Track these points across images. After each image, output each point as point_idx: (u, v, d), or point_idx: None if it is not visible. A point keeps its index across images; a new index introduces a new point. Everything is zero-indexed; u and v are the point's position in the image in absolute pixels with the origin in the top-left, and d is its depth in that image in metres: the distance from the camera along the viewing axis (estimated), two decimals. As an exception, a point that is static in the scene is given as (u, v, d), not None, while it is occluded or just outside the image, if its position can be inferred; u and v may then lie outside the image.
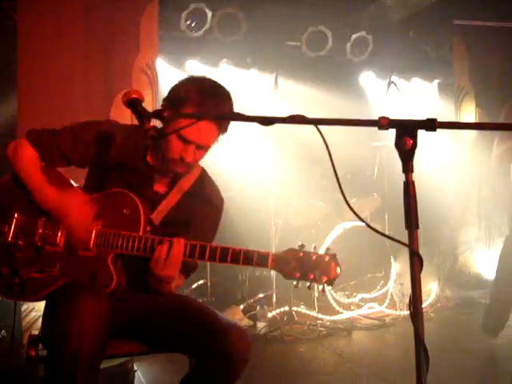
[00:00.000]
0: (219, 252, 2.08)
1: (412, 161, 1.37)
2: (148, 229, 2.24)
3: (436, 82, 7.24)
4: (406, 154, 1.35)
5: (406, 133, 1.35)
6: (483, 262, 6.18)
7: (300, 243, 2.05)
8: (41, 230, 2.26)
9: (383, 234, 1.49)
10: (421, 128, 1.34)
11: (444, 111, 7.00)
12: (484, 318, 4.45)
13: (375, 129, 1.42)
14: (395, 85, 5.63)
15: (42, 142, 2.34)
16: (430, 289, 5.50)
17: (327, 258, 1.99)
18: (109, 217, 2.24)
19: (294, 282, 2.03)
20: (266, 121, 1.52)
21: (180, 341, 2.23)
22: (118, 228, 2.20)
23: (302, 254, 2.01)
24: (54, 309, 2.13)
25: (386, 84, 5.69)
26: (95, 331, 1.98)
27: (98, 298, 2.05)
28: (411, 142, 1.34)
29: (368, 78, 6.91)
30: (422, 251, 1.40)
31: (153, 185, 2.37)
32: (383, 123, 1.36)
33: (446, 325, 5.00)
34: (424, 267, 1.41)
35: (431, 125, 1.33)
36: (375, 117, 1.40)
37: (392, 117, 1.39)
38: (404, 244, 1.39)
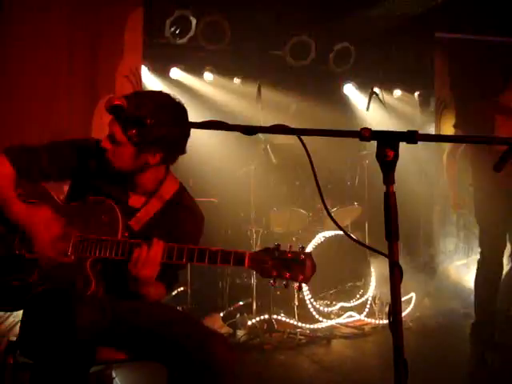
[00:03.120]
0: (197, 253, 2.10)
1: (393, 172, 1.39)
2: (126, 234, 2.26)
3: (417, 93, 7.31)
4: (387, 165, 1.37)
5: (388, 144, 1.36)
6: (462, 272, 6.24)
7: (276, 243, 2.08)
8: (18, 239, 2.27)
9: (363, 245, 1.51)
10: (402, 140, 1.36)
11: (425, 123, 7.08)
12: (471, 336, 4.50)
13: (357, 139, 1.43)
14: (377, 95, 5.67)
15: (20, 160, 2.36)
16: (409, 298, 5.53)
17: (302, 257, 2.03)
18: (87, 224, 2.26)
19: (271, 281, 2.06)
20: (249, 130, 1.53)
21: (161, 350, 2.22)
22: (97, 234, 2.22)
23: (277, 253, 2.04)
24: (38, 316, 2.12)
25: (368, 95, 5.73)
26: (87, 337, 1.98)
27: (90, 305, 2.06)
28: (392, 153, 1.36)
29: (351, 89, 6.96)
30: (401, 261, 1.42)
31: (127, 199, 2.39)
32: (365, 134, 1.38)
33: (424, 334, 5.02)
34: (403, 276, 1.42)
35: (412, 137, 1.36)
36: (358, 127, 1.41)
37: (374, 127, 1.41)
38: (384, 254, 1.40)
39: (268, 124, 1.56)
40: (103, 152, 2.28)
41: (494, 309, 4.42)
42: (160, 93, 2.30)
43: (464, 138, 1.53)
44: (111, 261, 2.19)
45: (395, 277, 1.40)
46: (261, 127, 1.52)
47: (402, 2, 5.64)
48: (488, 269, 4.43)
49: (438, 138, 1.75)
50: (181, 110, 2.27)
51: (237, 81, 6.43)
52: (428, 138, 1.39)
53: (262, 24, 6.10)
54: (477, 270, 4.54)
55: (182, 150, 2.36)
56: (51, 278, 2.22)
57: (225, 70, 6.34)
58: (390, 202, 1.37)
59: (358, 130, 1.38)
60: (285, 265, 2.02)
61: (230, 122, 1.60)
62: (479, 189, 4.45)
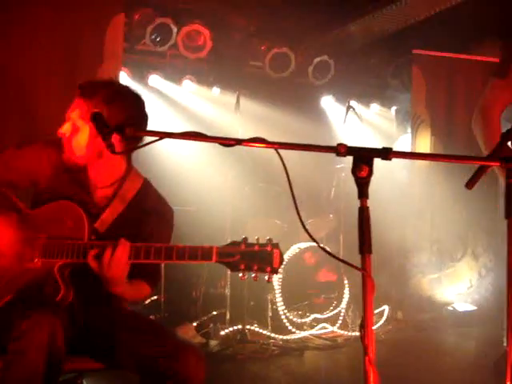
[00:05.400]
0: (164, 250, 2.10)
1: (367, 187, 1.41)
2: (93, 237, 2.25)
3: (394, 108, 7.41)
4: (362, 180, 1.40)
5: (363, 160, 1.39)
6: (435, 286, 6.31)
7: (243, 236, 2.09)
8: None
9: (336, 257, 1.53)
10: (376, 156, 1.39)
11: (401, 138, 7.18)
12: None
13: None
14: (353, 109, 5.75)
15: None
16: (382, 311, 5.58)
17: (270, 248, 2.04)
18: (52, 229, 2.24)
19: (240, 274, 2.07)
20: (227, 142, 1.55)
21: (133, 359, 2.21)
22: (63, 239, 2.20)
23: (244, 246, 2.05)
24: (5, 326, 2.10)
25: (345, 108, 5.81)
26: (52, 345, 1.97)
27: (53, 313, 2.04)
28: (367, 169, 1.39)
29: (328, 102, 7.03)
30: (374, 274, 1.44)
31: (91, 199, 2.38)
32: (341, 150, 1.41)
33: (396, 347, 5.06)
34: (376, 289, 1.45)
35: (386, 154, 1.39)
36: (335, 139, 1.44)
37: (351, 141, 1.44)
38: (357, 268, 1.42)
39: (246, 134, 1.58)
40: (60, 153, 2.32)
41: None
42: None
43: (436, 156, 1.56)
44: (80, 265, 2.17)
45: (368, 290, 1.42)
46: (239, 140, 1.54)
47: (381, 18, 5.72)
48: None
49: (412, 156, 1.78)
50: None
51: (216, 90, 6.45)
52: (402, 155, 1.43)
53: (242, 35, 6.15)
54: None
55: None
56: (19, 285, 2.21)
57: (204, 79, 6.37)
58: (363, 216, 1.40)
59: (335, 145, 1.41)
60: (252, 257, 2.03)
61: (208, 131, 1.62)
62: None
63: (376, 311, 5.51)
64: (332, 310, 5.33)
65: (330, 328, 5.18)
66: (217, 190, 5.46)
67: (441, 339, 5.18)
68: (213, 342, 4.75)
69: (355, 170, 1.40)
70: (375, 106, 7.34)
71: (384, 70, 6.82)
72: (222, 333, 4.84)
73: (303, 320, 5.20)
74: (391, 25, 5.81)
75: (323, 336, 5.11)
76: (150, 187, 2.52)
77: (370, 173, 1.40)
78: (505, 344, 1.65)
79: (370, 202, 1.45)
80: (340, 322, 5.25)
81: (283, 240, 5.42)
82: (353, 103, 6.48)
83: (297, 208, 1.53)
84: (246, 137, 1.56)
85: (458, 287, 6.37)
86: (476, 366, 4.50)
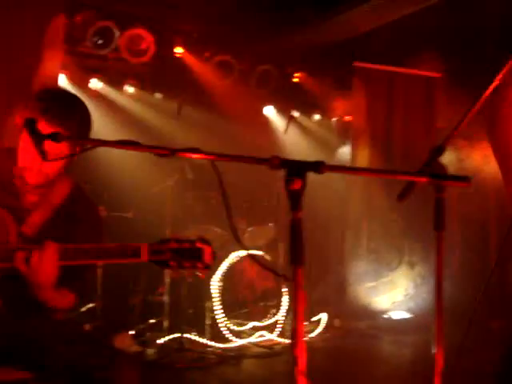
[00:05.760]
0: (93, 250, 2.07)
1: (300, 200, 1.43)
2: (20, 241, 2.18)
3: (335, 119, 7.53)
4: (295, 193, 1.41)
5: (296, 173, 1.41)
6: (371, 294, 6.43)
7: (173, 233, 2.08)
8: None
9: (266, 267, 1.54)
10: (309, 170, 1.41)
11: (341, 148, 7.31)
12: None
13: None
14: (295, 119, 5.82)
15: None
16: (320, 319, 5.63)
17: (200, 245, 2.05)
18: None
19: (172, 271, 2.06)
20: (161, 152, 1.53)
21: (67, 370, 2.16)
22: None
23: (175, 244, 2.04)
24: None
25: (287, 118, 5.87)
26: None
27: None
28: (300, 182, 1.40)
29: (270, 111, 7.08)
30: (312, 281, 1.45)
31: (19, 201, 2.30)
32: (274, 163, 1.42)
33: (333, 354, 5.12)
34: (314, 297, 1.46)
35: (319, 167, 1.40)
36: (277, 148, 1.45)
37: (292, 151, 1.45)
38: (287, 279, 1.43)
39: (187, 141, 1.57)
40: None
41: None
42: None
43: (370, 171, 1.59)
44: (9, 272, 2.09)
45: (298, 301, 1.43)
46: (174, 150, 1.53)
47: (324, 30, 5.82)
48: None
49: (345, 170, 1.82)
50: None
51: (158, 96, 6.40)
52: (335, 169, 1.45)
53: (186, 41, 6.13)
54: None
55: None
56: None
57: (146, 84, 6.30)
58: (295, 228, 1.41)
59: (268, 157, 1.42)
60: (183, 254, 2.03)
61: (149, 137, 1.62)
62: None
63: (314, 319, 5.56)
64: (270, 318, 5.36)
65: (268, 336, 5.20)
66: (156, 196, 5.41)
67: (377, 347, 5.27)
68: (150, 351, 4.70)
69: (288, 182, 1.41)
70: (316, 116, 7.43)
71: (326, 81, 6.92)
72: (160, 341, 4.80)
73: (242, 328, 5.20)
74: (334, 36, 5.94)
75: (261, 344, 5.12)
76: (79, 192, 2.45)
77: (303, 186, 1.41)
78: (433, 351, 1.70)
79: (308, 212, 1.46)
80: (278, 329, 5.28)
81: (223, 248, 5.48)
82: (294, 113, 6.57)
83: (230, 216, 1.54)
84: (188, 144, 1.55)
85: (394, 295, 6.53)
86: (410, 373, 4.60)
